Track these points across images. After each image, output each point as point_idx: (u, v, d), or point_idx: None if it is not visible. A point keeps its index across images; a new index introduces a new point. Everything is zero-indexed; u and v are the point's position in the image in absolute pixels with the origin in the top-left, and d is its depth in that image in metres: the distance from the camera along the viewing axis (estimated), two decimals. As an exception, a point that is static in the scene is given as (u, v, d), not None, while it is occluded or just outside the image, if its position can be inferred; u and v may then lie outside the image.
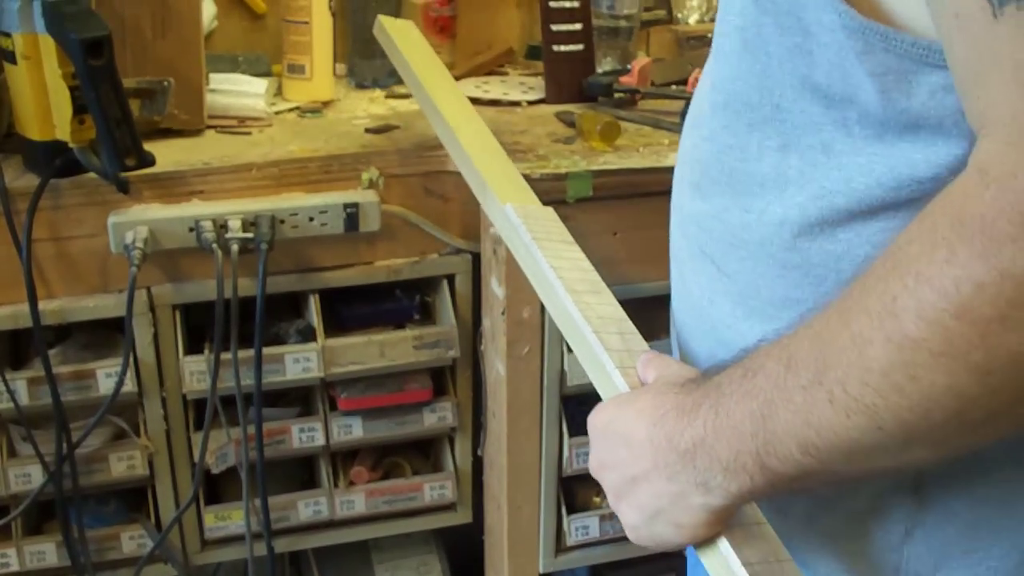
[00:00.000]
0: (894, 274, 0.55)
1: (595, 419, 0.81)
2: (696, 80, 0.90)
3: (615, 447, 0.76)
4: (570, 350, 1.37)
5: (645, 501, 0.73)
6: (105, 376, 1.35)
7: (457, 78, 1.68)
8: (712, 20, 1.70)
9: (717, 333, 0.80)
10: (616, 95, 1.55)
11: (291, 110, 1.55)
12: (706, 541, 0.71)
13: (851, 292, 0.58)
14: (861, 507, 0.77)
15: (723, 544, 0.71)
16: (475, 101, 1.59)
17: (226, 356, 1.34)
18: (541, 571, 1.51)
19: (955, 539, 0.76)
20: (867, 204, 0.68)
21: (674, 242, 0.86)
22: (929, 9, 0.59)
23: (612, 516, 1.51)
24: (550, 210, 1.04)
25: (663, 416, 0.71)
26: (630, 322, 0.87)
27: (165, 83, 1.37)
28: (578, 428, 1.45)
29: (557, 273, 0.90)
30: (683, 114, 0.89)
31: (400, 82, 1.68)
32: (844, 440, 0.58)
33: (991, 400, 0.54)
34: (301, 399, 1.54)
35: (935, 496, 0.75)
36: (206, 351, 1.39)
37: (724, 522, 0.70)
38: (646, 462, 0.72)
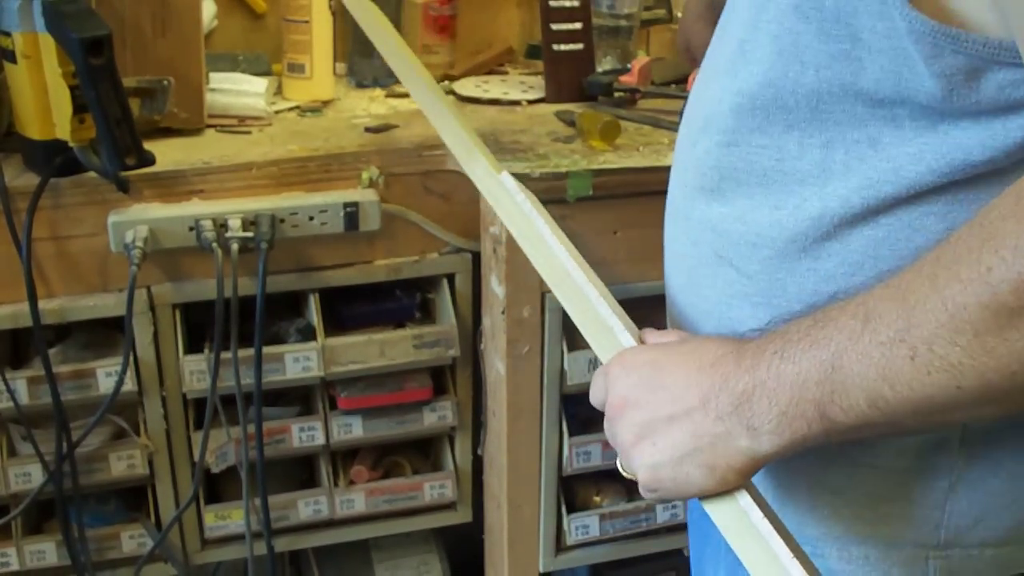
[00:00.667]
0: (988, 246, 0.57)
1: (627, 357, 0.78)
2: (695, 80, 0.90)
3: (650, 384, 0.75)
4: (570, 348, 1.38)
5: (681, 440, 0.71)
6: (105, 375, 1.35)
7: (457, 77, 1.69)
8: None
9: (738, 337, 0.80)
10: (616, 94, 1.55)
11: (291, 109, 1.55)
12: (723, 493, 0.71)
13: (937, 260, 0.61)
14: (906, 466, 0.78)
15: (743, 498, 0.71)
16: (475, 100, 1.60)
17: (226, 355, 1.34)
18: (541, 570, 1.51)
19: (999, 491, 0.78)
20: (915, 190, 0.69)
21: (678, 250, 0.85)
22: (997, 5, 0.61)
23: (612, 515, 1.51)
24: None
25: (720, 358, 0.71)
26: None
27: (165, 82, 1.37)
28: (578, 427, 1.45)
29: (559, 240, 0.90)
30: (682, 113, 0.88)
31: (400, 82, 1.68)
32: (919, 396, 0.61)
33: None
34: (301, 398, 1.54)
35: (981, 449, 0.77)
36: (206, 350, 1.39)
37: (753, 474, 0.71)
38: (692, 400, 0.71)
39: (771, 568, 0.68)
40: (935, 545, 0.79)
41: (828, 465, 0.79)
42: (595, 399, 0.80)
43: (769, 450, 0.68)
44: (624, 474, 0.77)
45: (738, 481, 0.71)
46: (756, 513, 0.70)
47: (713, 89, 0.79)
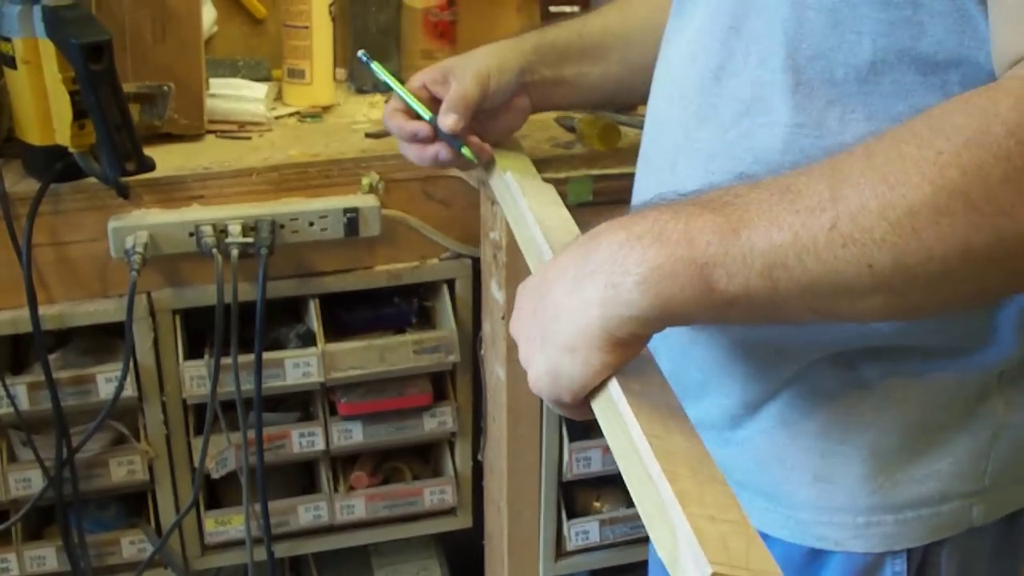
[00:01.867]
0: (939, 135, 0.57)
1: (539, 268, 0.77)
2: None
3: (540, 276, 0.72)
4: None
5: (545, 321, 0.69)
6: (105, 381, 1.35)
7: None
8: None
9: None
10: (616, 99, 1.55)
11: (291, 115, 1.56)
12: (597, 389, 0.68)
13: (875, 145, 0.60)
14: (952, 421, 0.79)
15: (613, 387, 0.67)
16: (475, 106, 1.60)
17: (226, 361, 1.34)
18: (541, 576, 1.51)
19: None
20: None
21: None
22: None
23: (612, 521, 1.51)
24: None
25: (595, 232, 0.69)
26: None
27: (165, 88, 1.37)
28: (578, 433, 1.45)
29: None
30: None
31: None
32: (824, 270, 0.59)
33: (989, 267, 0.58)
34: (301, 404, 1.54)
35: (1016, 395, 0.79)
36: (206, 356, 1.39)
37: (621, 356, 0.67)
38: (561, 278, 0.68)
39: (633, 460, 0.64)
40: (979, 491, 0.81)
41: (879, 431, 0.80)
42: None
43: (626, 313, 0.64)
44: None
45: (603, 361, 0.67)
46: (625, 407, 0.65)
47: (753, 73, 0.78)
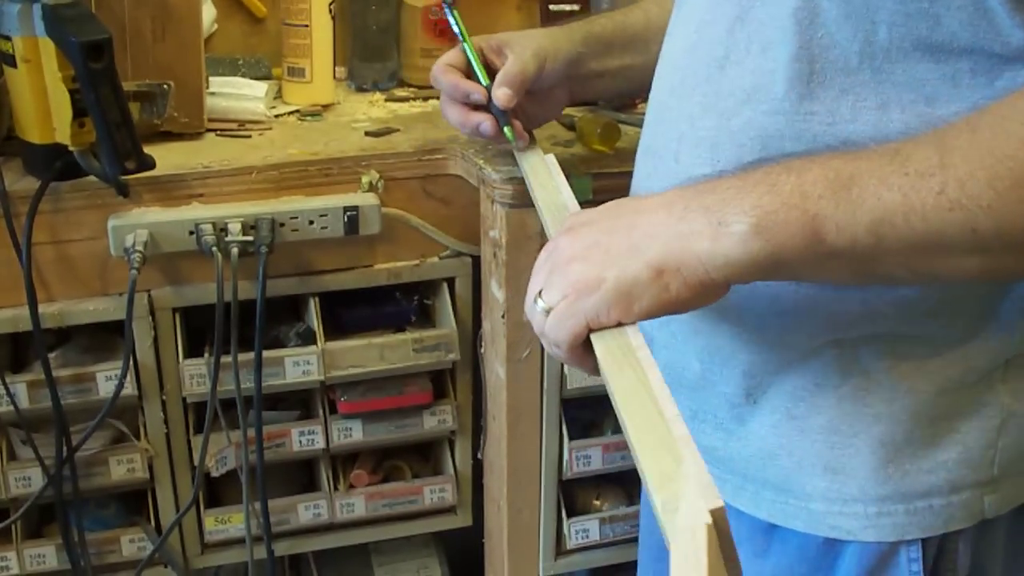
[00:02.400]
0: None
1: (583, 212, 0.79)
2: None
3: (615, 207, 0.74)
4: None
5: (637, 239, 0.70)
6: (105, 379, 1.35)
7: (457, 81, 1.68)
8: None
9: (780, 303, 0.80)
10: (616, 98, 1.55)
11: (291, 113, 1.56)
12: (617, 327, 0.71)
13: (977, 120, 0.64)
14: (957, 410, 0.80)
15: (632, 329, 0.70)
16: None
17: (226, 359, 1.34)
18: (541, 574, 1.51)
19: None
20: None
21: None
22: None
23: (612, 519, 1.51)
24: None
25: (697, 181, 0.72)
26: None
27: (165, 86, 1.37)
28: (578, 431, 1.45)
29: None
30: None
31: (400, 85, 1.69)
32: (930, 229, 0.64)
33: None
34: (301, 402, 1.54)
35: (1021, 384, 0.80)
36: (206, 354, 1.39)
37: (695, 298, 0.69)
38: (659, 206, 0.71)
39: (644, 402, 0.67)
40: (989, 481, 0.82)
41: (888, 422, 0.80)
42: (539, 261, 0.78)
43: (732, 254, 0.67)
44: (535, 307, 0.74)
45: (680, 296, 0.69)
46: (644, 351, 0.68)
47: (755, 61, 0.79)
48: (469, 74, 1.13)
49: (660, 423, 0.63)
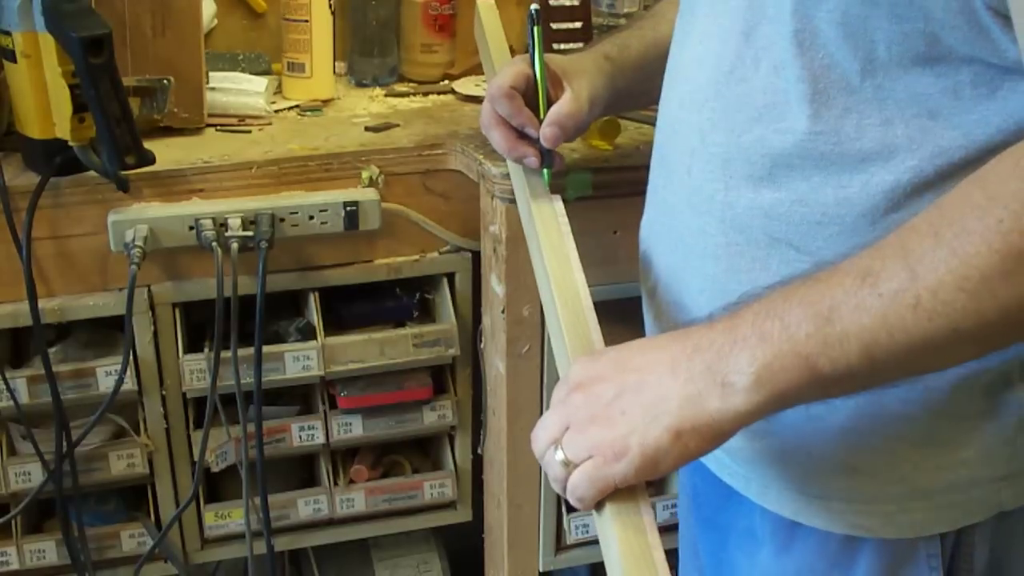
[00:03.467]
0: (995, 204, 0.63)
1: (593, 352, 0.82)
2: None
3: (618, 365, 0.77)
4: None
5: (650, 403, 0.73)
6: (105, 374, 1.35)
7: (457, 76, 1.69)
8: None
9: None
10: (616, 93, 1.55)
11: (291, 108, 1.55)
12: (627, 500, 0.74)
13: (936, 221, 0.65)
14: (977, 409, 0.80)
15: (646, 513, 0.74)
16: (475, 99, 1.60)
17: (226, 354, 1.34)
18: (541, 569, 1.51)
19: None
20: (987, 150, 0.72)
21: (707, 242, 0.86)
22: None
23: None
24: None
25: (690, 331, 0.74)
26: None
27: (165, 81, 1.37)
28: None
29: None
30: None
31: (400, 80, 1.69)
32: (915, 341, 0.66)
33: None
34: (301, 397, 1.54)
35: None
36: (206, 349, 1.39)
37: (717, 443, 0.72)
38: (662, 367, 0.74)
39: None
40: (1006, 476, 0.82)
41: (906, 421, 0.81)
42: (555, 396, 0.80)
43: (742, 408, 0.70)
44: (553, 457, 0.77)
45: (700, 449, 0.72)
46: (654, 534, 0.73)
47: (765, 80, 0.79)
48: (528, 98, 1.05)
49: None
